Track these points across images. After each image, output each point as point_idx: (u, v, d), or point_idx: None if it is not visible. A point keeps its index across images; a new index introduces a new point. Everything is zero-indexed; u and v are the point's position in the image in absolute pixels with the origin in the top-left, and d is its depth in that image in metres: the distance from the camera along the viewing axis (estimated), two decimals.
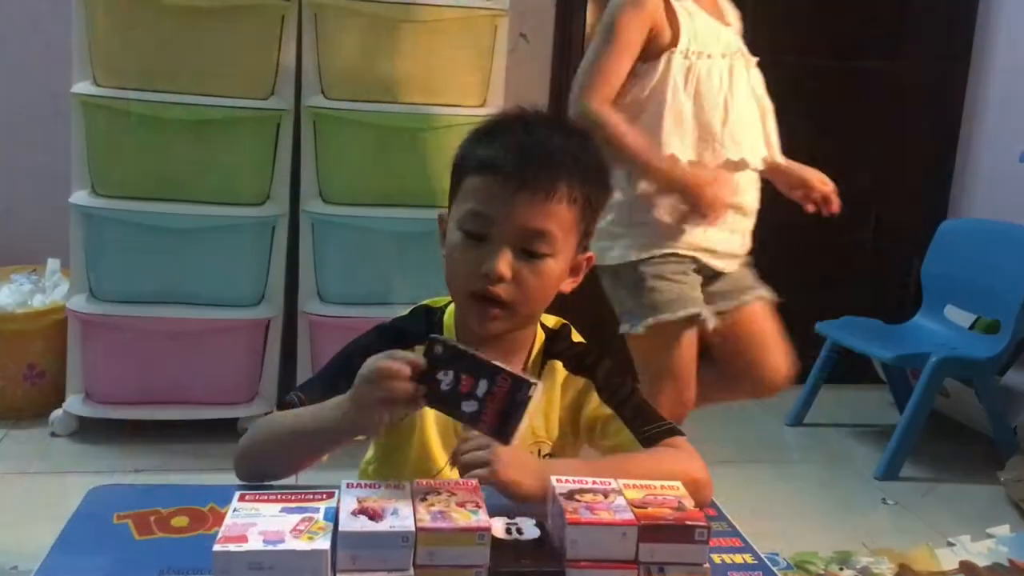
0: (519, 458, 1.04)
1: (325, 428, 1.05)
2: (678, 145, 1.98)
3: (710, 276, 2.09)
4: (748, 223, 2.10)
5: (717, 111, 1.98)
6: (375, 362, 0.98)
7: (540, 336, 1.23)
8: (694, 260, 2.04)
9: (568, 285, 1.20)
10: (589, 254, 1.20)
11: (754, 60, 2.08)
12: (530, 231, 1.11)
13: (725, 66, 2.00)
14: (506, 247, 1.11)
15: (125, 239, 2.66)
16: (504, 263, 1.10)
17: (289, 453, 1.09)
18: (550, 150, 1.13)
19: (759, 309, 2.16)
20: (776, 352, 2.17)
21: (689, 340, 2.05)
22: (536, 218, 1.10)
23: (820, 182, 2.19)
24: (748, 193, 2.07)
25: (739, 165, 2.01)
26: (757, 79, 2.07)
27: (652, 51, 1.98)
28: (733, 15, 2.14)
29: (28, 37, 3.04)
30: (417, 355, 0.98)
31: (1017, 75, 3.39)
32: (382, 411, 0.98)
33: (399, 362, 0.97)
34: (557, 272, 1.15)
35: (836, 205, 2.20)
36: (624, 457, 1.14)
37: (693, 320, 2.03)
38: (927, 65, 3.56)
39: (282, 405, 1.16)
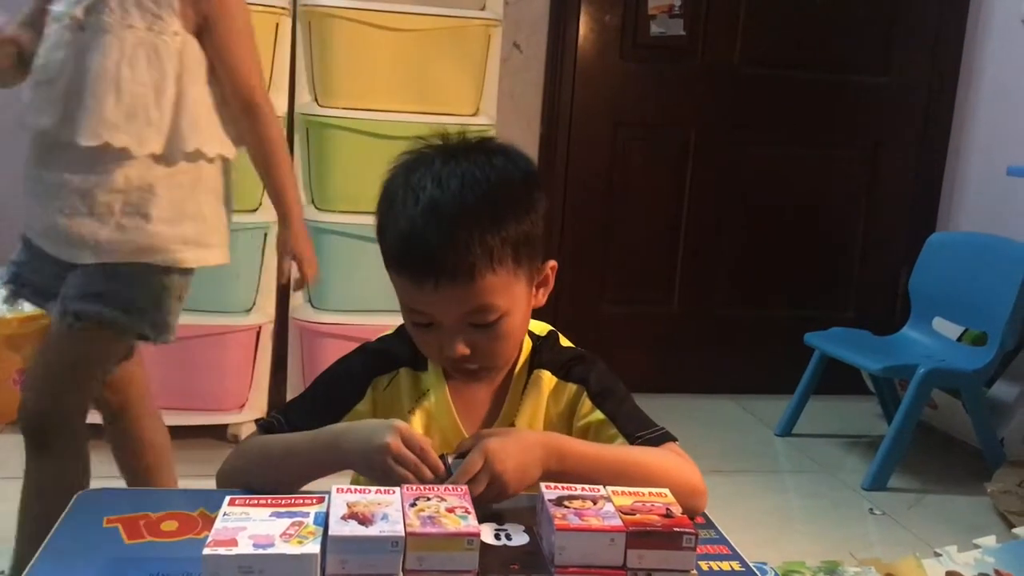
0: (513, 458, 1.04)
1: (320, 462, 1.07)
2: None
3: None
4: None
5: None
6: (396, 446, 1.01)
7: (527, 345, 1.22)
8: None
9: (542, 296, 1.18)
10: (551, 263, 1.17)
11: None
12: (469, 313, 1.08)
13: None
14: (455, 330, 1.09)
15: None
16: (460, 346, 1.10)
17: (282, 478, 1.08)
18: (452, 224, 1.05)
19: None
20: None
21: None
22: (469, 301, 1.07)
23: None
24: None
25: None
26: None
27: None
28: None
29: None
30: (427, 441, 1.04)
31: (1005, 89, 3.42)
32: (383, 480, 1.01)
33: (415, 459, 1.01)
34: (519, 319, 1.14)
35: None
36: (631, 448, 1.14)
37: None
38: (916, 79, 3.59)
39: (265, 428, 1.17)
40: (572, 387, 1.21)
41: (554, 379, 1.21)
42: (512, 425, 1.19)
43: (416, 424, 1.18)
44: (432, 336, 1.12)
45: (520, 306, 1.13)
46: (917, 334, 3.14)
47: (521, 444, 1.06)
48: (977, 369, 2.82)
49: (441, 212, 1.06)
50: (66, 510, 1.06)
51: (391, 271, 1.13)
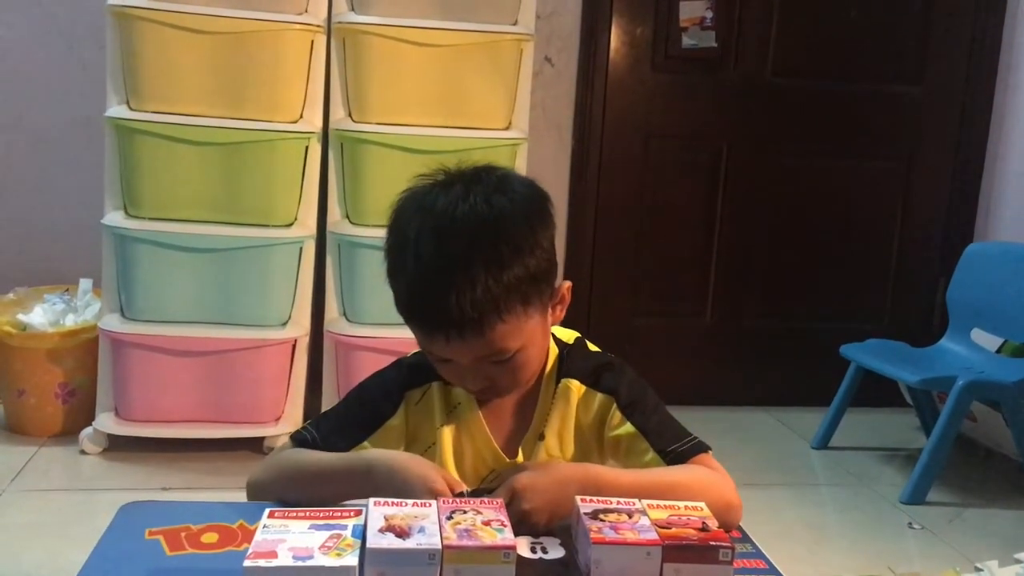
0: (544, 491, 1.05)
1: (360, 493, 1.06)
2: None
3: None
4: None
5: None
6: (433, 486, 1.02)
7: (553, 352, 1.23)
8: None
9: (560, 313, 1.17)
10: (567, 284, 1.16)
11: None
12: (485, 357, 1.09)
13: None
14: (473, 368, 1.10)
15: (156, 260, 2.70)
16: (478, 383, 1.12)
17: (313, 500, 1.05)
18: (455, 283, 1.04)
19: None
20: None
21: None
22: (481, 349, 1.08)
23: None
24: None
25: None
26: None
27: None
28: None
29: (64, 59, 3.10)
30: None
31: None
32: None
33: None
34: (536, 348, 1.14)
35: None
36: (663, 470, 1.14)
37: None
38: (952, 87, 3.55)
39: (299, 441, 1.18)
40: (601, 397, 1.21)
41: (583, 388, 1.21)
42: (542, 436, 1.20)
43: (447, 438, 1.19)
44: (451, 369, 1.13)
45: (536, 336, 1.13)
46: (955, 345, 3.10)
47: (554, 479, 1.07)
48: (1017, 381, 2.77)
49: (443, 272, 1.05)
50: (109, 523, 1.08)
51: (403, 318, 1.13)
